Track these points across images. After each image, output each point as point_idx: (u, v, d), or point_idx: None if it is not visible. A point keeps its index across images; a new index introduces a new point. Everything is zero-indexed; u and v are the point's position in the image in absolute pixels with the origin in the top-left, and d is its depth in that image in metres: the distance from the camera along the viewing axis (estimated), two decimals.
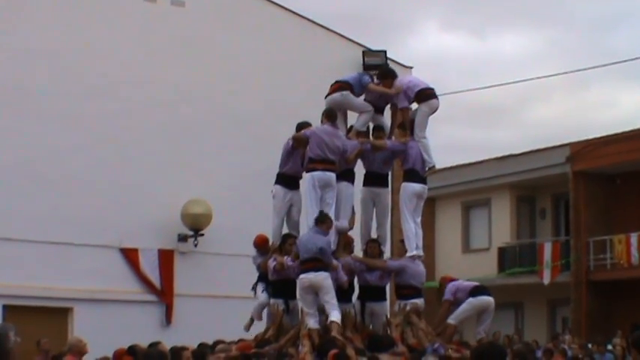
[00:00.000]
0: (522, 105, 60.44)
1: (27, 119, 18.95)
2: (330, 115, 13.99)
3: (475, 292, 14.00)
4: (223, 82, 21.12)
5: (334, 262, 13.30)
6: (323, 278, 12.88)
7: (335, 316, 12.68)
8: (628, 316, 28.71)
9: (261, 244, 14.68)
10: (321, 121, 14.00)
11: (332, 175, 13.68)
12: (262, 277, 14.73)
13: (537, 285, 31.56)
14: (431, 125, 14.38)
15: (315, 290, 12.85)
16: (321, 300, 12.87)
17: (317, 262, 12.95)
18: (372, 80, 14.79)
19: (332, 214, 13.56)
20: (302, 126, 14.30)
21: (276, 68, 21.76)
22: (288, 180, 14.31)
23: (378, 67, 14.70)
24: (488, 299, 13.98)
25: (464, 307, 13.83)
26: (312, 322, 12.77)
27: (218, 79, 21.09)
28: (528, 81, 32.03)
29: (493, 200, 34.72)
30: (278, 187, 14.31)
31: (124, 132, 19.88)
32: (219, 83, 21.08)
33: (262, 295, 14.65)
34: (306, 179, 13.85)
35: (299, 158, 14.21)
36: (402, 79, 14.72)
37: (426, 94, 14.27)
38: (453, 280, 14.58)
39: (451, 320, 13.87)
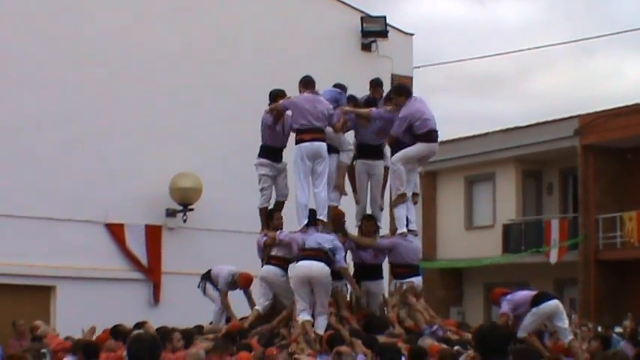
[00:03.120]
0: (524, 74, 60.43)
1: (6, 87, 18.87)
2: (308, 82, 14.10)
3: (536, 301, 13.37)
4: (215, 49, 21.03)
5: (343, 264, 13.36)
6: (326, 274, 12.68)
7: (321, 325, 12.64)
8: (639, 298, 28.78)
9: (244, 284, 14.91)
10: (300, 91, 14.10)
11: (321, 145, 13.72)
12: (211, 280, 15.16)
13: (543, 264, 31.54)
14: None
15: (310, 282, 12.67)
16: (315, 298, 12.72)
17: (321, 252, 12.88)
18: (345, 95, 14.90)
19: (324, 186, 13.67)
20: (276, 94, 14.45)
21: (270, 35, 21.68)
22: (273, 152, 14.48)
23: (393, 85, 14.83)
24: (552, 303, 13.30)
25: (528, 318, 13.09)
26: (306, 315, 12.68)
27: (209, 46, 21.00)
28: (531, 50, 31.74)
29: (498, 175, 34.64)
30: (264, 160, 14.48)
31: (110, 101, 19.78)
32: (210, 50, 20.99)
33: (215, 294, 15.12)
34: (295, 151, 13.89)
35: (281, 129, 14.37)
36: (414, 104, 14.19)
37: (433, 137, 14.05)
38: (505, 293, 13.96)
39: (521, 333, 12.99)
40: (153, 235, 20.09)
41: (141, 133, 19.99)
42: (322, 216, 13.61)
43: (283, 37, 21.83)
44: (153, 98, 20.23)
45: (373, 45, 22.75)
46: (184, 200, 20.07)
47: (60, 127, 19.13)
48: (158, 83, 20.28)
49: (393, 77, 22.61)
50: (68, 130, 19.21)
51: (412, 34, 23.73)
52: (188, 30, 20.83)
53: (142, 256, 19.98)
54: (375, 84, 15.14)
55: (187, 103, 20.53)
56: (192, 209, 20.15)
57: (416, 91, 22.56)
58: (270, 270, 13.96)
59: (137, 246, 19.88)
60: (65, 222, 19.10)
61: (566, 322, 13.37)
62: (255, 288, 14.76)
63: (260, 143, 14.63)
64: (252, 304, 14.75)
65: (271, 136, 14.44)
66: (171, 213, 20.22)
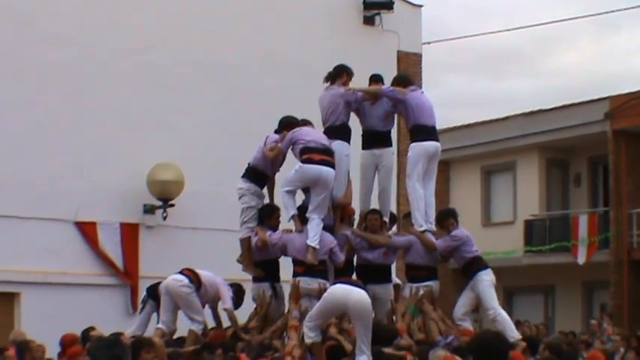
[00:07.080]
0: (543, 51, 60.61)
1: None
2: (307, 122, 14.34)
3: None
4: (200, 24, 20.86)
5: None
6: (368, 304, 12.48)
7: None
8: None
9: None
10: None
11: (329, 172, 13.68)
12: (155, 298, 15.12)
13: (571, 265, 31.65)
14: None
15: (348, 311, 12.42)
16: (356, 333, 12.46)
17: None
18: None
19: (319, 221, 13.66)
20: (290, 123, 14.44)
21: (262, 9, 21.59)
22: (260, 178, 14.66)
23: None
24: None
25: None
26: (317, 335, 12.43)
27: (193, 21, 20.84)
28: (550, 24, 31.82)
29: (519, 164, 34.77)
30: (250, 185, 14.61)
31: (81, 84, 19.60)
32: (194, 26, 20.81)
33: (142, 317, 15.35)
34: (296, 166, 13.89)
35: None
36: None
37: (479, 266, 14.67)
38: None
39: None
40: (129, 234, 19.96)
41: (114, 119, 19.79)
42: (314, 243, 13.51)
43: (276, 12, 21.74)
44: (130, 81, 20.06)
45: (377, 18, 22.67)
46: (164, 195, 19.91)
47: (22, 113, 18.93)
48: (134, 63, 20.10)
49: (400, 54, 22.50)
50: (32, 116, 19.00)
51: (421, 6, 23.65)
52: (168, 3, 20.68)
53: (118, 258, 19.84)
54: (375, 79, 14.91)
55: (167, 85, 20.36)
56: (172, 205, 20.01)
57: (424, 69, 22.76)
58: (177, 279, 14.13)
59: (111, 247, 19.75)
60: (29, 220, 18.98)
61: None
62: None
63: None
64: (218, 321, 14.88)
65: (267, 164, 14.52)
66: (149, 209, 20.12)
